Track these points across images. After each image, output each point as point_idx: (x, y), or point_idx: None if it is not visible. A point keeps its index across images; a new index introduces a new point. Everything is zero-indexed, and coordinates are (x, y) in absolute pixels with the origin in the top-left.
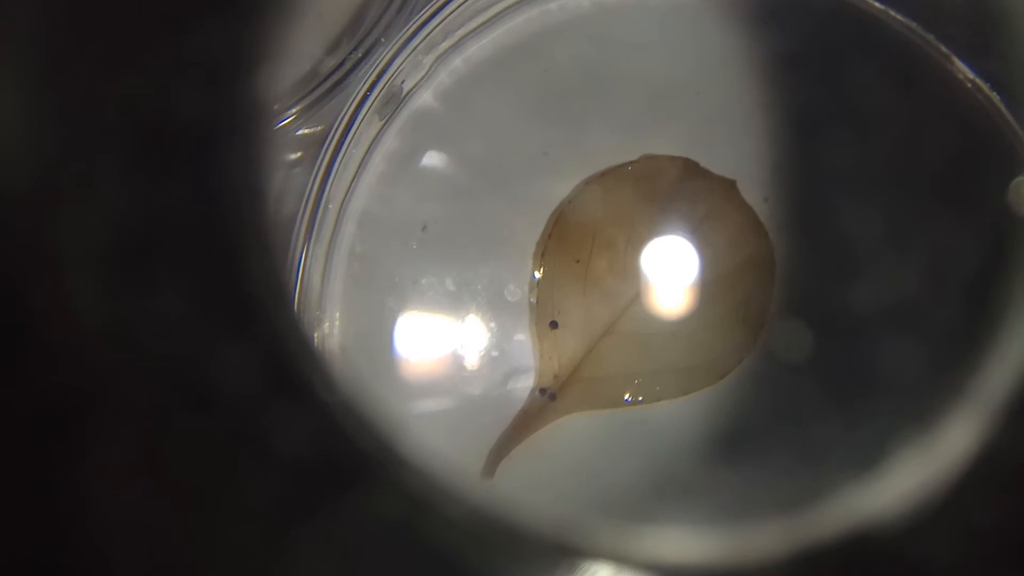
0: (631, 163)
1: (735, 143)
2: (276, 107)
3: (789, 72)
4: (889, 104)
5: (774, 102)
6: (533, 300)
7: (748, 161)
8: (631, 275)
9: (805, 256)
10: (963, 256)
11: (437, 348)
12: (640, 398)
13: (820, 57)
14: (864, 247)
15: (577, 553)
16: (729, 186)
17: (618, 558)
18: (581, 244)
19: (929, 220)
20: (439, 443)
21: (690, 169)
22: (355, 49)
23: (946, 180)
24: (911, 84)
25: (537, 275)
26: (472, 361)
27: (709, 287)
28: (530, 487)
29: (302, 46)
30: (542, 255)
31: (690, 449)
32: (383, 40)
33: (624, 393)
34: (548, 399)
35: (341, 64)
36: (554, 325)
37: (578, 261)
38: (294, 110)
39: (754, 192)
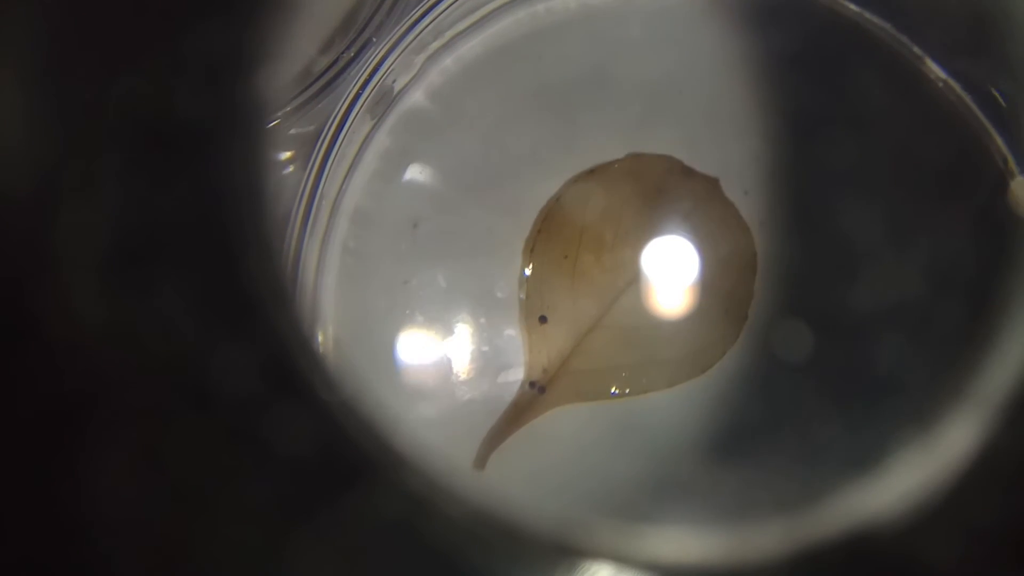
0: (618, 161)
1: (722, 141)
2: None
3: (780, 71)
4: (887, 104)
5: (762, 100)
6: (522, 296)
7: (736, 157)
8: (618, 270)
9: (804, 256)
10: (963, 256)
11: (428, 344)
12: (627, 390)
13: (813, 55)
14: (864, 247)
15: (577, 553)
16: (712, 184)
17: (618, 558)
18: (569, 240)
19: (929, 220)
20: (431, 437)
21: (674, 167)
22: (347, 48)
23: (946, 180)
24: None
25: (526, 271)
26: (463, 356)
27: (693, 281)
28: (531, 488)
29: (296, 45)
30: (531, 251)
31: (690, 449)
32: (375, 40)
33: (611, 386)
34: (538, 392)
35: (334, 63)
36: (543, 320)
37: (566, 257)
38: (287, 108)
39: (741, 187)
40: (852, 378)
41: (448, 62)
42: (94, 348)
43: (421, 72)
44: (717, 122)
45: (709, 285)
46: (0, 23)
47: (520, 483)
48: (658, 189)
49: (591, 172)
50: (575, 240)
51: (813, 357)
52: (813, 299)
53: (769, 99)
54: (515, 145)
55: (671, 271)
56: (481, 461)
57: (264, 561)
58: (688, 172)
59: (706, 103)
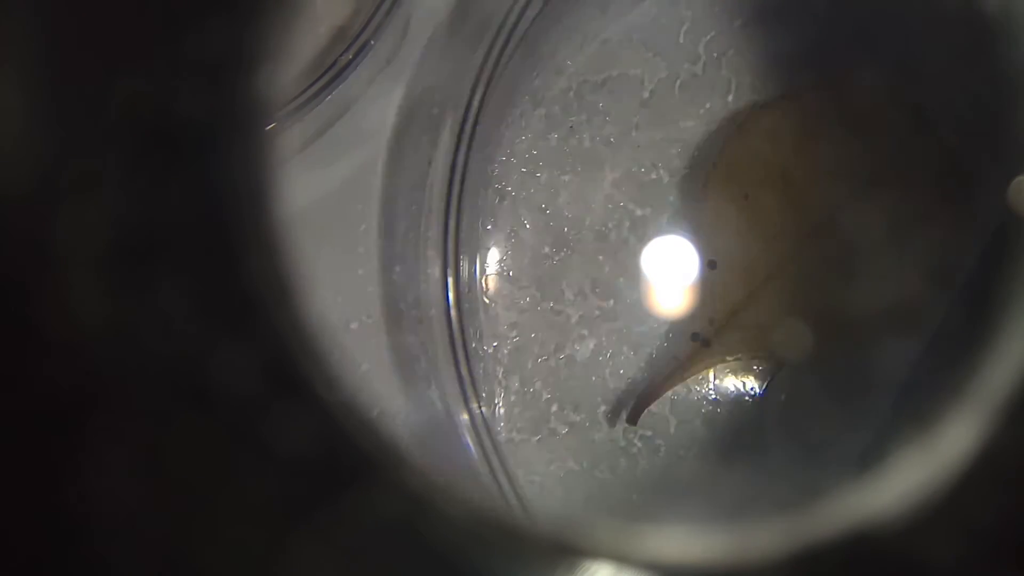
0: (816, 87)
1: None
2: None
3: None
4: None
5: None
6: (689, 236)
7: None
8: (801, 214)
9: (804, 256)
10: (963, 256)
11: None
12: (798, 349)
13: (819, 55)
14: (864, 246)
15: (577, 553)
16: (916, 112)
17: (618, 558)
18: (749, 176)
19: (929, 220)
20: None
21: (881, 98)
22: (345, 51)
23: (947, 180)
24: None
25: (696, 209)
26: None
27: (889, 234)
28: (531, 488)
29: (297, 46)
30: (704, 186)
31: (690, 449)
32: (373, 42)
33: (781, 341)
34: (701, 344)
35: (331, 65)
36: (712, 265)
37: (746, 196)
38: (289, 107)
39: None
40: (852, 378)
41: None
42: (94, 348)
43: None
44: None
45: (908, 239)
46: (0, 23)
47: (520, 483)
48: (859, 123)
49: (783, 97)
50: (756, 176)
51: (813, 356)
52: (813, 298)
53: None
54: None
55: (869, 220)
56: (635, 416)
57: (264, 561)
58: (892, 103)
59: None
